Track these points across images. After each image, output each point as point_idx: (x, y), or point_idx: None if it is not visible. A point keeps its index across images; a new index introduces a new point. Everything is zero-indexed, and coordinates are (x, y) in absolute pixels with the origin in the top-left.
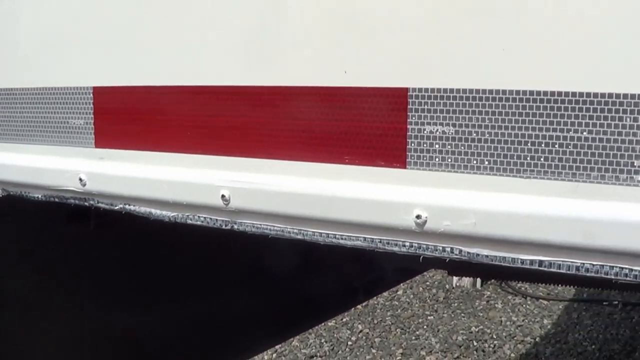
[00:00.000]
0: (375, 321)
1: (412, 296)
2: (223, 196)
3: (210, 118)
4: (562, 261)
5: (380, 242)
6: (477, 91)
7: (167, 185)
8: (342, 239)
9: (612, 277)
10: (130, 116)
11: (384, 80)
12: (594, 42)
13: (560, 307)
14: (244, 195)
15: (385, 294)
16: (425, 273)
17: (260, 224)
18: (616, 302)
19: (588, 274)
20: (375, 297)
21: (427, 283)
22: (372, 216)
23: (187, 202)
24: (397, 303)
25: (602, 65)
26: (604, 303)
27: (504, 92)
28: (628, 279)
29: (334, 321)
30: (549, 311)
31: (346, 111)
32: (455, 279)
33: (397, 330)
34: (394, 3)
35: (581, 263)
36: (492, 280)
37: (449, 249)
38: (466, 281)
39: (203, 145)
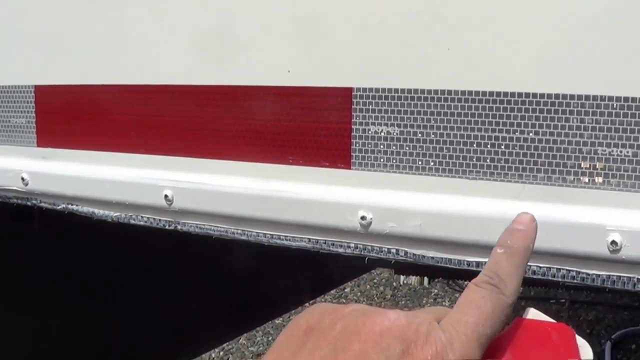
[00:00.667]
0: None
1: (359, 294)
2: (166, 196)
3: (153, 118)
4: None
5: (325, 243)
6: (423, 91)
7: (110, 185)
8: (286, 239)
9: (559, 279)
10: (72, 115)
11: (328, 80)
12: (539, 43)
13: None
14: (187, 196)
15: (333, 292)
16: (372, 271)
17: (204, 225)
18: (563, 301)
19: (535, 276)
20: (322, 295)
21: (375, 281)
22: (317, 217)
23: (130, 202)
24: (344, 301)
25: (548, 66)
26: (551, 301)
27: (449, 92)
28: (575, 281)
29: (281, 319)
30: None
31: (290, 111)
32: (402, 276)
33: None
34: (337, 3)
35: (528, 265)
36: (440, 278)
37: (394, 250)
38: (414, 279)
39: (146, 144)
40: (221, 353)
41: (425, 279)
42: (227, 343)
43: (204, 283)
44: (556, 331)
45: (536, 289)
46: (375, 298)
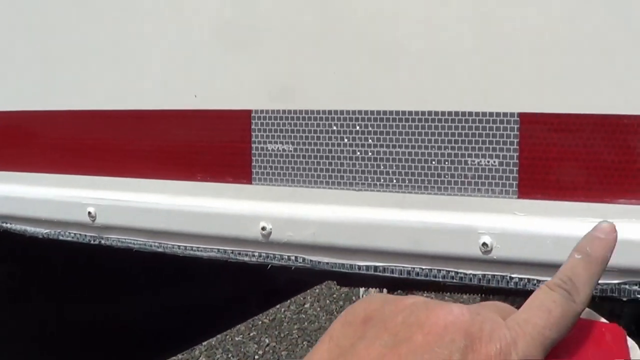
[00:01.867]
0: (282, 334)
1: (319, 309)
2: (90, 213)
3: (75, 140)
4: (395, 266)
5: (233, 252)
6: (312, 112)
7: (39, 203)
8: (198, 250)
9: (440, 279)
10: (4, 139)
11: (230, 103)
12: (418, 65)
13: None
14: (108, 212)
15: (293, 307)
16: (331, 286)
17: (125, 239)
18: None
19: (419, 277)
20: (282, 311)
21: (334, 296)
22: (223, 229)
23: (57, 219)
24: (304, 316)
25: (423, 86)
26: None
27: (335, 112)
28: (454, 281)
29: (241, 336)
30: None
31: (197, 132)
32: (362, 290)
33: (304, 343)
34: (239, 31)
35: (412, 267)
36: (399, 291)
37: (293, 258)
38: (373, 292)
39: (70, 165)
40: None
41: (385, 291)
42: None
43: (154, 294)
44: (609, 332)
45: (494, 297)
46: (335, 313)
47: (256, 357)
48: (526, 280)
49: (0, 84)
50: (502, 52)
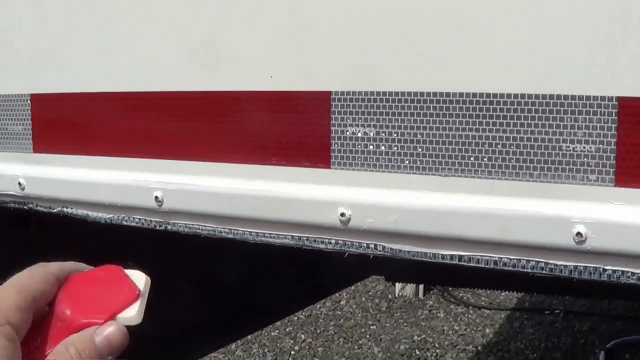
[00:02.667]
0: (318, 331)
1: (354, 306)
2: (156, 197)
3: (144, 123)
4: (481, 256)
5: (307, 239)
6: (397, 93)
7: (103, 187)
8: (271, 237)
9: (529, 270)
10: (66, 122)
11: (309, 85)
12: (508, 45)
13: (502, 316)
14: (176, 197)
15: (328, 303)
16: (367, 283)
17: (193, 224)
18: (558, 311)
19: (505, 268)
20: (318, 307)
21: (370, 293)
22: (299, 215)
23: (122, 204)
24: (339, 313)
25: (514, 67)
26: (546, 312)
27: (422, 94)
28: (543, 272)
29: (277, 331)
30: (490, 320)
31: (272, 114)
32: (397, 288)
33: (340, 339)
34: (317, 9)
35: (498, 257)
36: (435, 290)
37: (372, 245)
38: (408, 291)
39: (137, 148)
40: None
41: (421, 291)
42: (224, 354)
43: (196, 289)
44: (103, 272)
45: (531, 300)
46: (371, 310)
47: (292, 352)
48: (620, 272)
49: (63, 65)
50: (601, 34)
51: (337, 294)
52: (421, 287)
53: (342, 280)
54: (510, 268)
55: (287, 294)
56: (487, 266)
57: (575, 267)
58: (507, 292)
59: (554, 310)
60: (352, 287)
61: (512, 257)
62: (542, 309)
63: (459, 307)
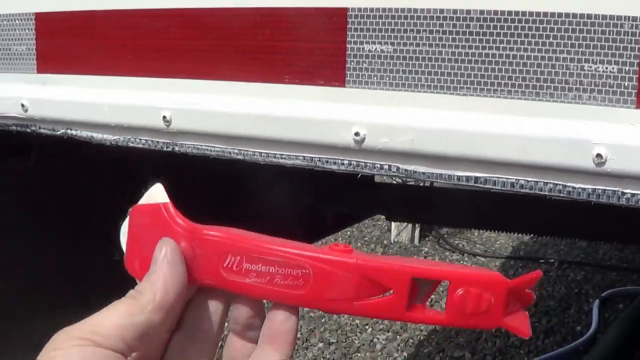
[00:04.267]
0: None
1: None
2: (164, 117)
3: (151, 40)
4: (497, 177)
5: (320, 160)
6: (416, 10)
7: (109, 108)
8: (282, 158)
9: (546, 193)
10: (72, 41)
11: (325, 1)
12: None
13: (497, 264)
14: (185, 116)
15: None
16: (363, 229)
17: (201, 145)
18: (552, 260)
19: (523, 190)
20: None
21: (366, 239)
22: (312, 134)
23: (128, 124)
24: None
25: None
26: (541, 261)
27: (441, 10)
28: (561, 195)
29: None
30: (486, 268)
31: (286, 31)
32: (393, 234)
33: None
34: None
35: (516, 179)
36: (430, 237)
37: (386, 167)
38: (404, 237)
39: (144, 67)
40: None
41: (416, 238)
42: None
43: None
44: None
45: (525, 249)
46: None
47: None
48: (639, 196)
49: None
50: None
51: (332, 239)
52: (417, 233)
53: (343, 220)
54: (528, 190)
55: (286, 234)
56: (503, 188)
57: (594, 190)
58: (502, 239)
59: (548, 260)
60: (348, 233)
61: (529, 179)
62: (536, 258)
63: (454, 254)
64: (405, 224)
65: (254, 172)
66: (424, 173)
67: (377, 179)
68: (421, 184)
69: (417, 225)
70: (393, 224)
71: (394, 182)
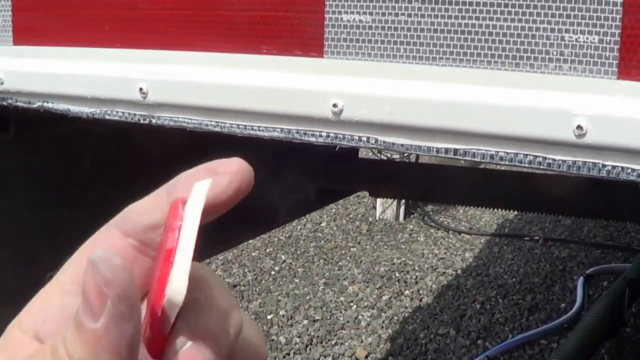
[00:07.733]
0: (299, 252)
1: (335, 228)
2: (141, 89)
3: (127, 11)
4: (477, 149)
5: (297, 132)
6: None
7: (85, 80)
8: (259, 130)
9: (526, 165)
10: (48, 12)
11: None
12: None
13: (482, 241)
14: (161, 88)
15: (309, 225)
16: (348, 206)
17: (178, 117)
18: (537, 238)
19: (502, 162)
20: (298, 229)
21: (351, 216)
22: (289, 106)
23: (104, 96)
24: (320, 234)
25: None
26: (525, 238)
27: None
28: (541, 167)
29: (257, 251)
30: (470, 245)
31: (263, 1)
32: (378, 212)
33: (320, 261)
34: None
35: (495, 151)
36: (415, 214)
37: (365, 138)
38: (389, 214)
39: (120, 38)
40: None
41: (401, 215)
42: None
43: None
44: None
45: (510, 226)
46: (352, 232)
47: (272, 272)
48: (620, 168)
49: None
50: None
51: (317, 216)
52: (402, 210)
53: (327, 196)
54: (507, 163)
55: (269, 210)
56: (483, 160)
57: (574, 162)
58: (486, 216)
59: (533, 237)
60: (333, 210)
61: (509, 151)
62: (521, 235)
63: (439, 232)
64: (390, 201)
65: (234, 148)
66: (402, 145)
67: (360, 154)
68: (406, 160)
69: (402, 202)
70: (378, 201)
71: (378, 157)
